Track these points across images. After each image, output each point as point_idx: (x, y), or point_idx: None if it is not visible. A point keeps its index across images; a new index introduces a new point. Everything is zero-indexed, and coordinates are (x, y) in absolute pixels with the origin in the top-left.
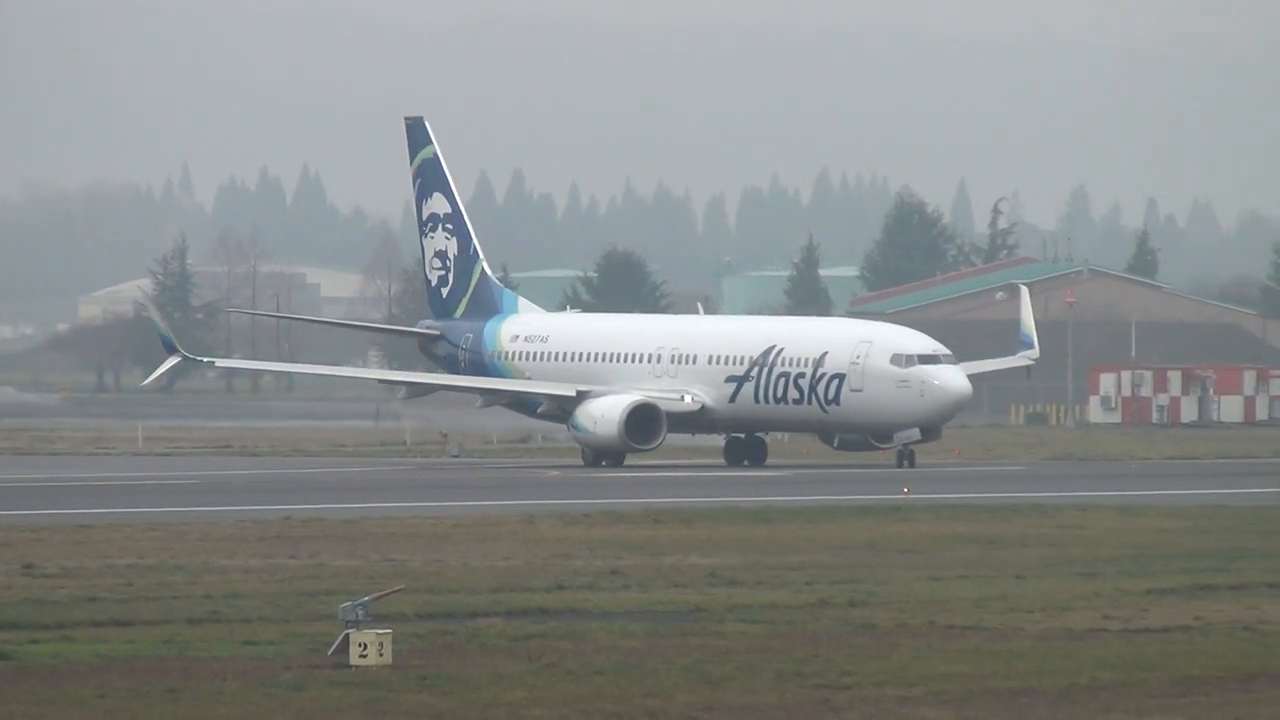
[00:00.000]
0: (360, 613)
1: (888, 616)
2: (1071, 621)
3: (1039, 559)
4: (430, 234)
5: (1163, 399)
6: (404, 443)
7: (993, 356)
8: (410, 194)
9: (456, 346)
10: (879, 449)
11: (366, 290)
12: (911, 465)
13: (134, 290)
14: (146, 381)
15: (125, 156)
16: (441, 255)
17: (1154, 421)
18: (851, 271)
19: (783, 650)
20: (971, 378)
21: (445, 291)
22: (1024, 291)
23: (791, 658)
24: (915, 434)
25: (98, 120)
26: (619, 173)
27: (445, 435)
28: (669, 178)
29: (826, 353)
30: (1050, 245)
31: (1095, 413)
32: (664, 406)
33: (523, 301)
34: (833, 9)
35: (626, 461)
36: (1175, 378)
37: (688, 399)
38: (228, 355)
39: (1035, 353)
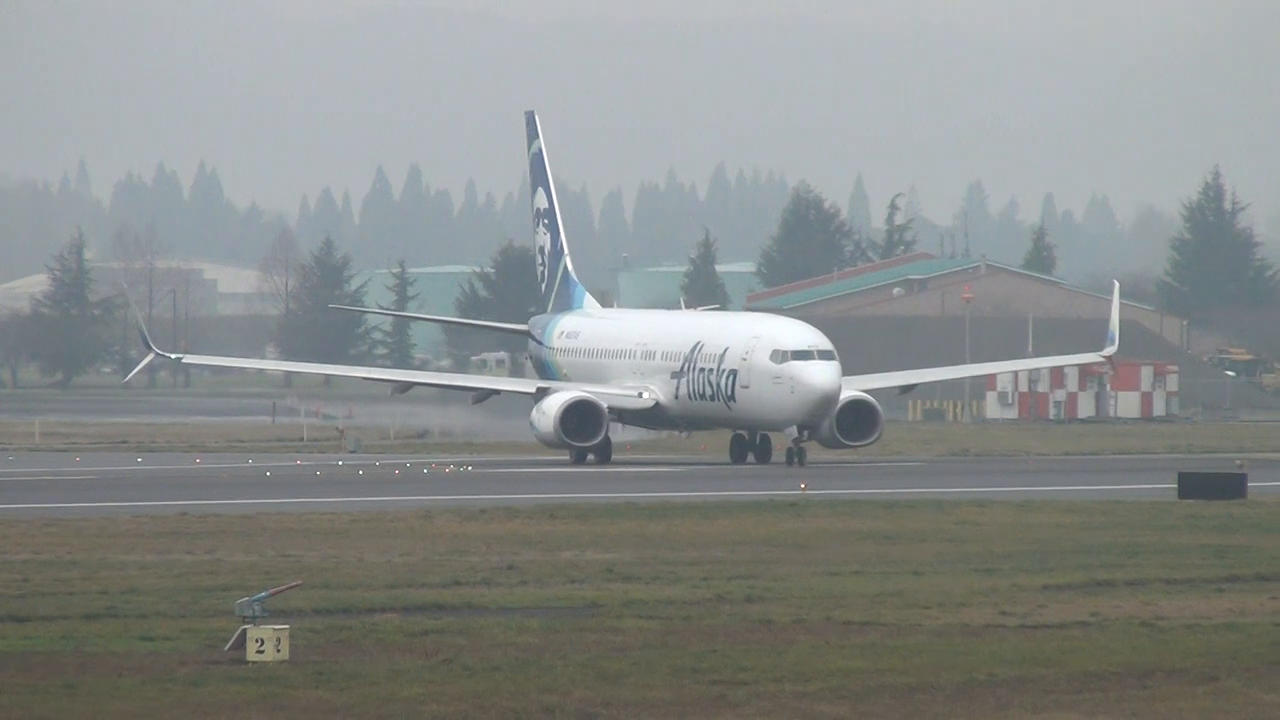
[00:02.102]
0: (257, 608)
1: (784, 612)
2: (969, 617)
3: (936, 555)
4: (536, 229)
5: (1060, 395)
6: (301, 438)
7: (890, 352)
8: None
9: (537, 342)
10: (850, 446)
11: (264, 285)
12: (801, 463)
13: (30, 286)
14: (127, 379)
15: (21, 151)
16: (541, 251)
17: (1051, 417)
18: (748, 267)
19: (679, 646)
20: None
21: (543, 287)
22: (1116, 288)
23: (688, 653)
24: (794, 431)
25: None
26: (516, 169)
27: (342, 431)
28: (566, 174)
29: (727, 349)
30: (947, 241)
31: (992, 408)
32: (616, 404)
33: (588, 298)
34: (726, 3)
35: (614, 457)
36: (1072, 373)
37: (645, 395)
38: (123, 352)
39: (1110, 349)
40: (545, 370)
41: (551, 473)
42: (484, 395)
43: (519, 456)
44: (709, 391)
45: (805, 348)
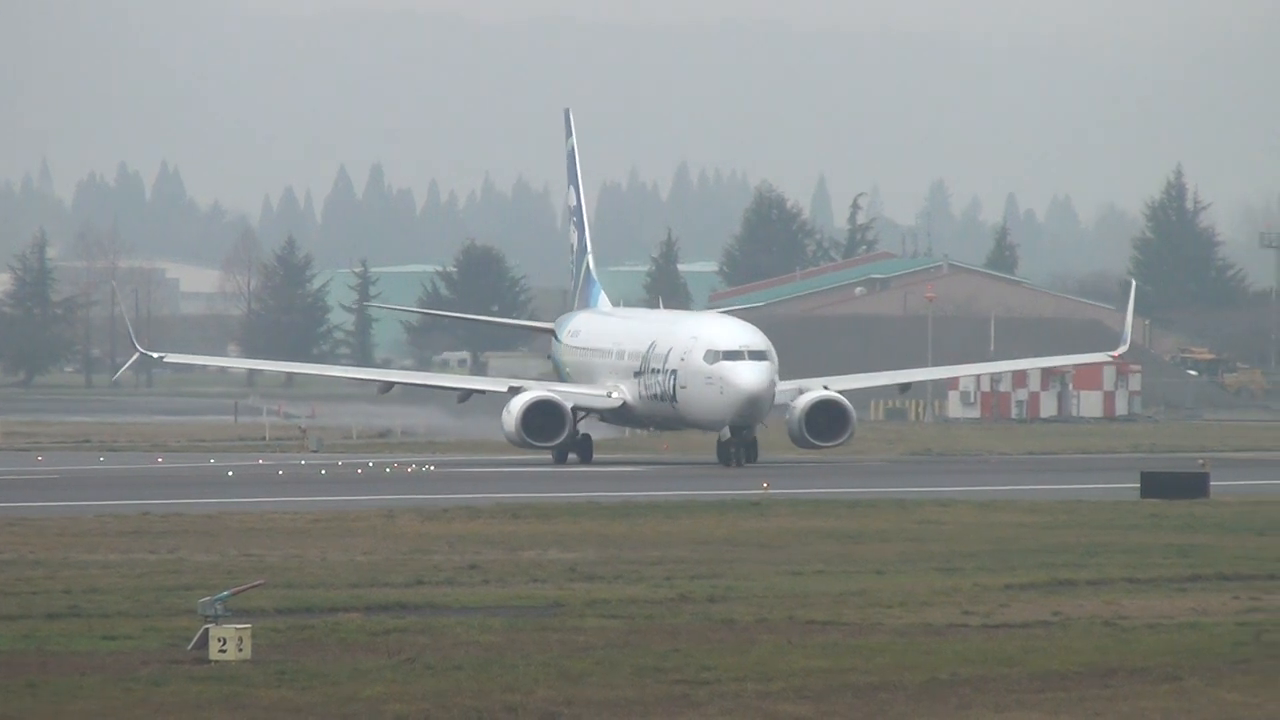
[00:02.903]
0: (220, 608)
1: (747, 612)
2: (931, 617)
3: (899, 554)
4: (568, 226)
5: (1022, 394)
6: (264, 438)
7: (852, 352)
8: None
9: (557, 340)
10: (820, 447)
11: (226, 285)
12: (739, 464)
13: None
14: (115, 377)
15: None
16: (571, 249)
17: (1013, 417)
18: (711, 267)
19: (642, 645)
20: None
21: (573, 285)
22: (1132, 287)
23: (651, 653)
24: (726, 432)
25: None
26: (478, 168)
27: (304, 431)
28: (528, 172)
29: (671, 349)
30: (909, 240)
31: (955, 408)
32: (586, 403)
33: (602, 296)
34: (689, 3)
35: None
36: (1035, 373)
37: (614, 395)
38: (84, 352)
39: (1120, 349)
40: (558, 369)
41: (515, 472)
42: (466, 395)
43: (501, 456)
44: (659, 391)
45: (736, 348)
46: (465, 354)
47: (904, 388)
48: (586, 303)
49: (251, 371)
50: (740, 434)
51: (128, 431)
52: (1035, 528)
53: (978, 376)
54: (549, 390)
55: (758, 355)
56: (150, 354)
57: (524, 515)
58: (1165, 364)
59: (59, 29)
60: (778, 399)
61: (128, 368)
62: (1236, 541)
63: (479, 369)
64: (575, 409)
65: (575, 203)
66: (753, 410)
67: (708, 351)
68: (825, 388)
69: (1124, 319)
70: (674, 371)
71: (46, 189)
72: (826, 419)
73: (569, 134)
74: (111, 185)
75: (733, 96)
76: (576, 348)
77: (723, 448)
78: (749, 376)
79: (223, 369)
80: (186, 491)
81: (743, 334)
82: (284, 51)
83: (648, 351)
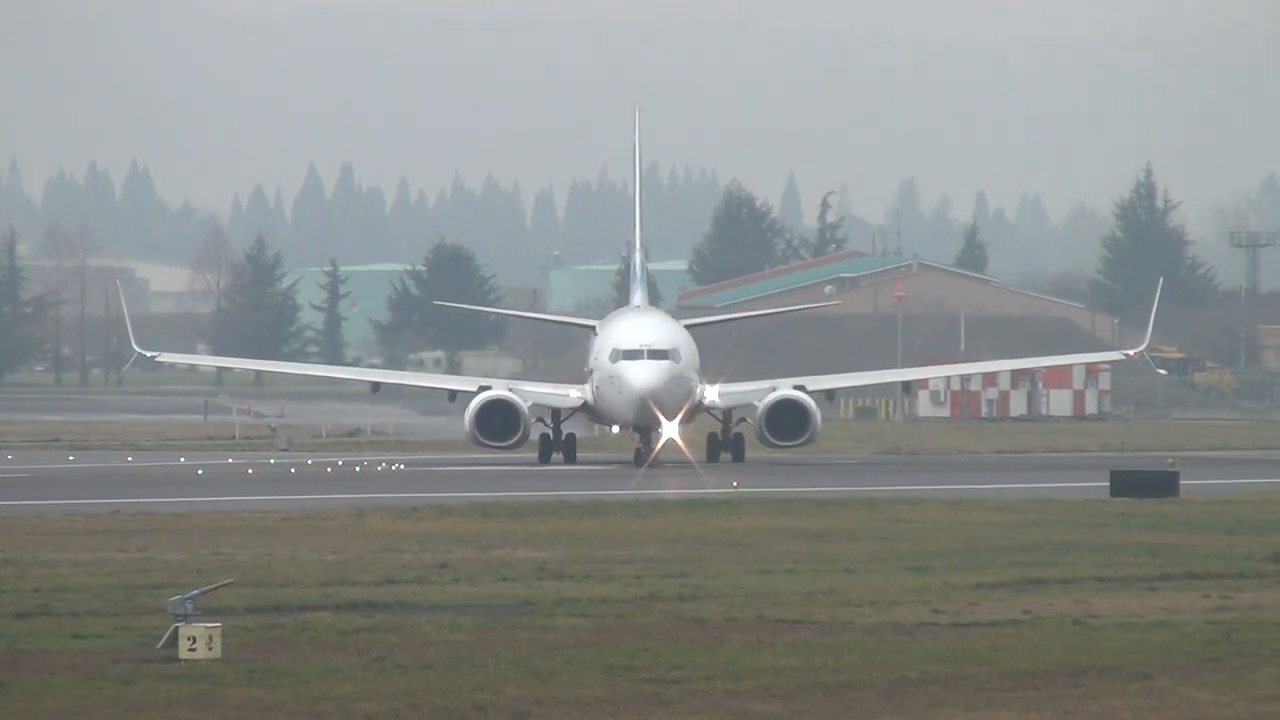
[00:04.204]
0: (189, 606)
1: (717, 610)
2: (901, 615)
3: (868, 553)
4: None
5: (992, 393)
6: (234, 436)
7: (820, 350)
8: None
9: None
10: (780, 447)
11: (195, 284)
12: (639, 464)
13: None
14: (120, 376)
15: None
16: (628, 245)
17: (983, 415)
18: (681, 265)
19: (612, 644)
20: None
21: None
22: (1159, 284)
23: (621, 651)
24: (614, 430)
25: None
26: (447, 166)
27: (274, 430)
28: (498, 171)
29: (599, 348)
30: (879, 239)
31: (924, 407)
32: (548, 402)
33: (636, 294)
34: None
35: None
36: (1005, 372)
37: (573, 394)
38: (54, 351)
39: (1140, 348)
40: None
41: (485, 471)
42: (454, 395)
43: (482, 455)
44: (589, 391)
45: (636, 347)
46: (440, 353)
47: (906, 386)
48: (626, 300)
49: (220, 370)
50: (646, 435)
51: (97, 430)
52: (1005, 526)
53: (947, 376)
54: (506, 390)
55: (658, 355)
56: (145, 353)
57: (494, 514)
58: (1135, 363)
59: (30, 26)
60: (751, 399)
61: (130, 366)
62: (1206, 540)
63: (454, 368)
64: (538, 408)
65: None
66: (650, 410)
67: (612, 351)
68: (798, 388)
69: (1148, 316)
70: (592, 371)
71: (15, 187)
72: (791, 419)
73: (632, 132)
74: (81, 184)
75: (702, 94)
76: (591, 348)
77: (711, 445)
78: (643, 376)
79: (192, 366)
80: (156, 490)
81: (650, 333)
82: (254, 51)
83: (593, 350)
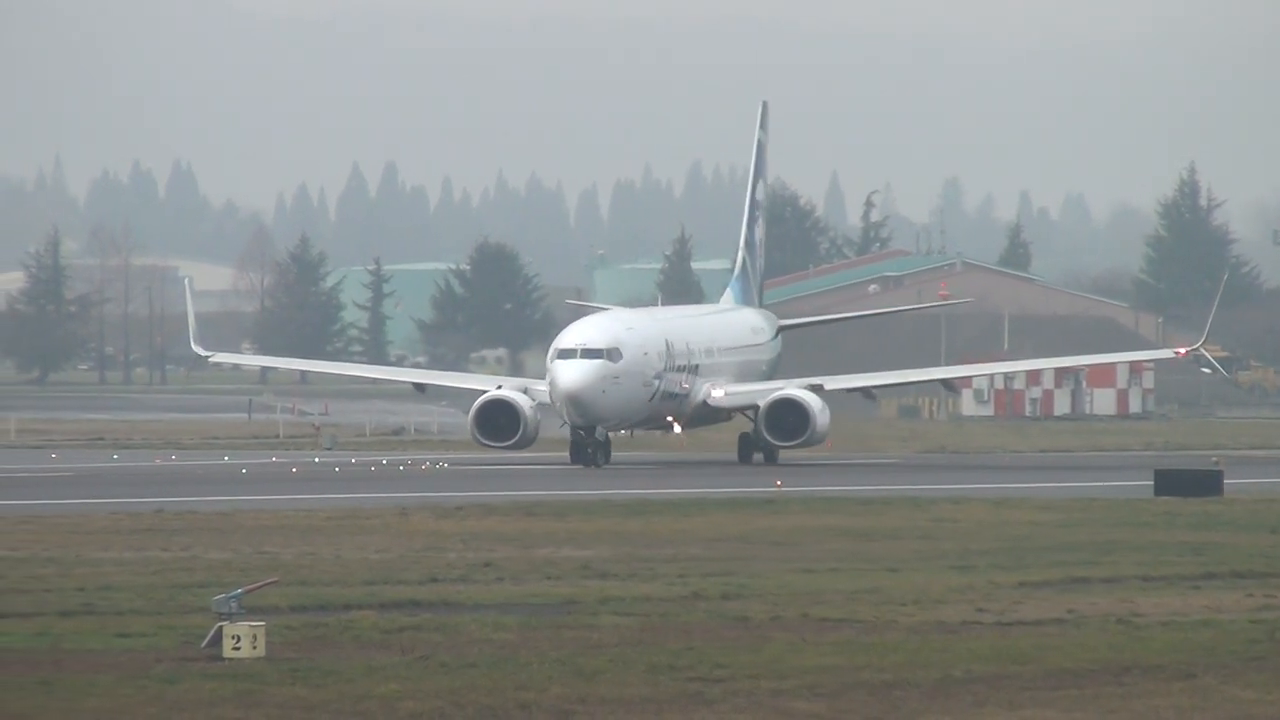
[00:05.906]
0: (234, 605)
1: (761, 609)
2: (945, 614)
3: (912, 552)
4: (754, 221)
5: (1035, 392)
6: (278, 435)
7: (866, 349)
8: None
9: None
10: (779, 447)
11: (239, 283)
12: (596, 465)
13: (6, 283)
14: (181, 373)
15: None
16: (744, 241)
17: (1027, 414)
18: (724, 264)
19: (655, 643)
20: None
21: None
22: (1223, 280)
23: (664, 650)
24: (564, 429)
25: None
26: (491, 165)
27: (318, 429)
28: (541, 170)
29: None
30: (923, 238)
31: (968, 405)
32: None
33: (727, 292)
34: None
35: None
36: (1049, 370)
37: None
38: (98, 349)
39: (1197, 345)
40: None
41: (528, 470)
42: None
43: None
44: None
45: (572, 346)
46: (503, 351)
47: (946, 383)
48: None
49: (265, 369)
50: (590, 433)
51: (141, 429)
52: (1049, 526)
53: (990, 375)
54: (508, 390)
55: (592, 354)
56: (202, 353)
57: (538, 513)
58: (1179, 361)
59: (73, 28)
60: (755, 399)
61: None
62: (1250, 539)
63: (516, 367)
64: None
65: (759, 196)
66: (584, 409)
67: (553, 349)
68: (813, 387)
69: (1207, 314)
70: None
71: (60, 186)
72: (792, 419)
73: (762, 128)
74: (125, 183)
75: (746, 94)
76: None
77: (743, 446)
78: (568, 376)
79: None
80: (200, 489)
81: (591, 332)
82: (298, 51)
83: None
